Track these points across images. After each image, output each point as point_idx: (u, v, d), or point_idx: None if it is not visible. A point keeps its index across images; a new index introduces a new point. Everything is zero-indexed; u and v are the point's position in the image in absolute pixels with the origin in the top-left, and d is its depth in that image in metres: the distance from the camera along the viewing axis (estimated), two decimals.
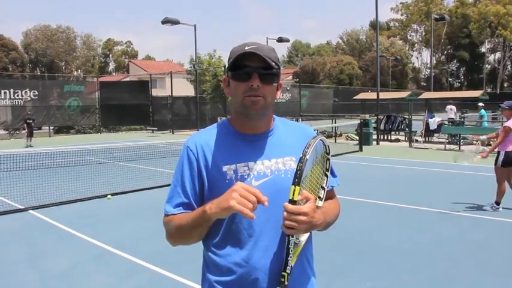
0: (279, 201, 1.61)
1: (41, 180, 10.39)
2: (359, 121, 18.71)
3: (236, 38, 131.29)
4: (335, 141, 21.00)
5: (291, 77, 50.94)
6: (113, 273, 5.21)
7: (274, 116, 1.85)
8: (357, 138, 19.37)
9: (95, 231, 6.76)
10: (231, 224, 1.68)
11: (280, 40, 32.36)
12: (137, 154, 16.07)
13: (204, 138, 1.79)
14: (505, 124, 7.73)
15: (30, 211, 8.18)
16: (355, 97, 26.20)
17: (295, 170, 1.59)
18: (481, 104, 21.01)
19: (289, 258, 1.57)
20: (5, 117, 30.25)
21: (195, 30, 28.33)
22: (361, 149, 17.34)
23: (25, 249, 6.11)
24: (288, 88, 42.39)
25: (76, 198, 9.02)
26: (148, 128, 32.74)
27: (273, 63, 1.68)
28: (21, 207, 8.37)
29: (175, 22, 26.18)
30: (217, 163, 1.73)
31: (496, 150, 7.78)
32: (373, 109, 25.05)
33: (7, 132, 29.37)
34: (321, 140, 1.65)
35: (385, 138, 21.99)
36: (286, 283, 1.57)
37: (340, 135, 23.47)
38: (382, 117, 22.16)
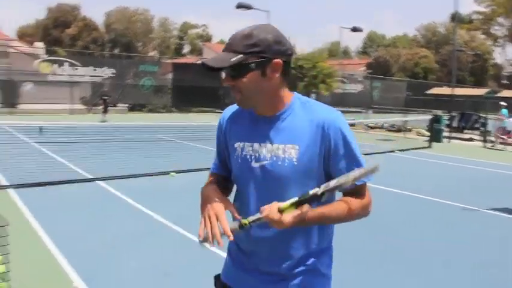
0: (270, 186, 1.73)
1: (110, 153, 10.89)
2: (430, 116, 18.11)
3: (310, 24, 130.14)
4: (404, 136, 20.45)
5: (364, 67, 49.95)
6: (168, 246, 5.40)
7: (296, 97, 1.78)
8: (427, 134, 18.76)
9: (155, 205, 7.02)
10: None
11: (354, 29, 31.78)
12: (203, 134, 16.44)
13: (231, 113, 1.92)
14: None
15: (98, 182, 8.61)
16: (427, 91, 25.34)
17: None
18: (503, 103, 19.70)
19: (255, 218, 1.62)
20: (85, 93, 31.92)
21: (268, 16, 28.36)
22: (430, 146, 16.79)
23: (88, 216, 6.45)
24: (360, 79, 41.66)
25: (141, 173, 9.38)
26: (218, 110, 33.32)
27: (234, 58, 1.62)
28: (90, 177, 8.84)
29: (248, 7, 26.27)
30: (233, 138, 1.87)
31: None
32: (447, 105, 24.13)
33: (86, 107, 30.90)
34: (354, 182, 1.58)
35: (458, 136, 21.14)
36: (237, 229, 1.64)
37: (410, 130, 22.81)
38: (455, 114, 21.29)
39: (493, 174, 11.67)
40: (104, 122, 20.84)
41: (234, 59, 1.62)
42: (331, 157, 1.71)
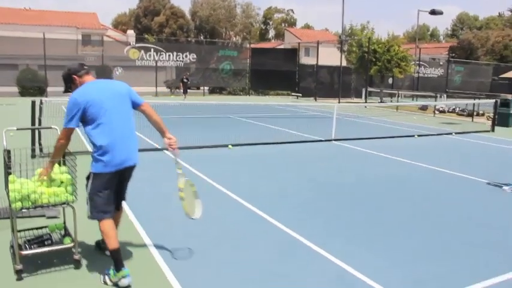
0: None
1: (180, 128, 12.43)
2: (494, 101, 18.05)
3: (390, 7, 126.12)
4: (472, 120, 20.44)
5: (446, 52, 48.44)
6: (212, 201, 6.71)
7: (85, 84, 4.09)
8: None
9: (207, 171, 8.39)
10: None
11: (433, 13, 31.28)
12: (265, 114, 17.74)
13: None
14: None
15: (165, 151, 10.14)
16: (502, 75, 24.74)
17: None
18: None
19: None
20: (169, 76, 34.43)
21: (343, 0, 28.88)
22: (493, 130, 16.83)
23: (153, 176, 7.94)
24: (442, 63, 40.75)
25: (204, 145, 10.83)
26: (293, 94, 34.45)
27: (64, 88, 4.22)
28: (159, 147, 10.40)
29: None
30: None
31: None
32: None
33: (169, 90, 33.33)
34: None
35: None
36: None
37: (483, 114, 22.60)
38: None
39: None
40: (182, 101, 22.80)
41: (64, 86, 4.20)
42: None
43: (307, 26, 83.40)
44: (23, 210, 3.97)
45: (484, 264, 4.60)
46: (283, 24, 78.47)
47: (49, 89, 27.22)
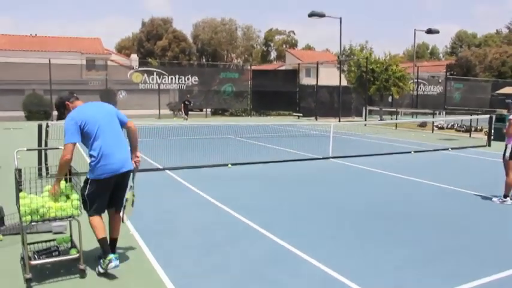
0: None
1: (181, 148, 12.82)
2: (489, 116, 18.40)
3: (391, 26, 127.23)
4: (469, 135, 20.75)
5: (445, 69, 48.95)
6: (210, 215, 7.06)
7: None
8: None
9: (206, 188, 8.72)
10: None
11: (429, 32, 31.89)
12: (267, 135, 18.12)
13: None
14: (510, 117, 7.94)
15: (167, 171, 10.51)
16: (498, 91, 25.12)
17: None
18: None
19: None
20: (172, 99, 35.01)
21: (340, 22, 29.46)
22: (489, 144, 17.14)
23: (154, 194, 8.28)
24: (440, 81, 41.21)
25: (204, 164, 11.19)
26: (294, 113, 34.88)
27: (57, 113, 4.86)
28: (160, 167, 10.77)
29: (321, 15, 27.65)
30: None
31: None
32: None
33: (172, 112, 33.83)
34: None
35: None
36: None
37: (481, 130, 22.91)
38: None
39: None
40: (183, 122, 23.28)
41: (57, 113, 4.87)
42: None
43: (308, 47, 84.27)
44: (32, 223, 4.33)
45: (468, 269, 4.92)
46: (284, 46, 79.30)
47: (55, 112, 27.53)
